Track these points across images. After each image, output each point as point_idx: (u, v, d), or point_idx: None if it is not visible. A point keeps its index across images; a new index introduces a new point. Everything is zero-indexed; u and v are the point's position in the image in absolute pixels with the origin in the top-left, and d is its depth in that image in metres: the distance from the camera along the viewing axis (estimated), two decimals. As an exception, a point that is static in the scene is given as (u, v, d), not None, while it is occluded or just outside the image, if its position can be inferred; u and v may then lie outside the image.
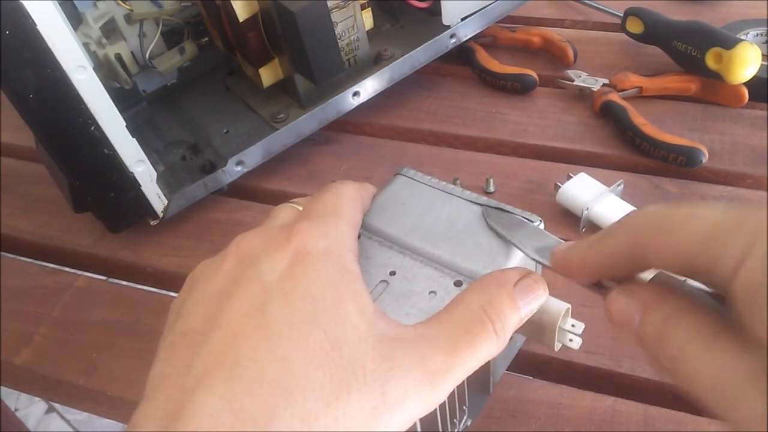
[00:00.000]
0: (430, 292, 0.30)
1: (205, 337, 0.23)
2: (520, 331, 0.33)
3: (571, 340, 0.32)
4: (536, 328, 0.32)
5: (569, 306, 0.31)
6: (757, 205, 0.20)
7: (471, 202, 0.34)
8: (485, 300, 0.26)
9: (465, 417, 0.34)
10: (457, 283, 0.30)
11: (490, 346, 0.25)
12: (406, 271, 0.31)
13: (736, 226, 0.20)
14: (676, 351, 0.21)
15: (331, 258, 0.25)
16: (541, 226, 0.33)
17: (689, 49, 0.53)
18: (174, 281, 0.49)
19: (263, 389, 0.21)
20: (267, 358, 0.22)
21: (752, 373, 0.19)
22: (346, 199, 0.30)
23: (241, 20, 0.49)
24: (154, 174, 0.47)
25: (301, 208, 0.30)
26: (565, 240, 0.29)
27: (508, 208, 0.34)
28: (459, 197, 0.34)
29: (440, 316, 0.26)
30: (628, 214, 0.23)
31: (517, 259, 0.31)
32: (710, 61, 0.51)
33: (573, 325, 0.31)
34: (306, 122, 0.53)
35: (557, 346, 0.32)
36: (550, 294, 0.29)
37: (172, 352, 0.24)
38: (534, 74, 0.58)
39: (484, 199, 0.34)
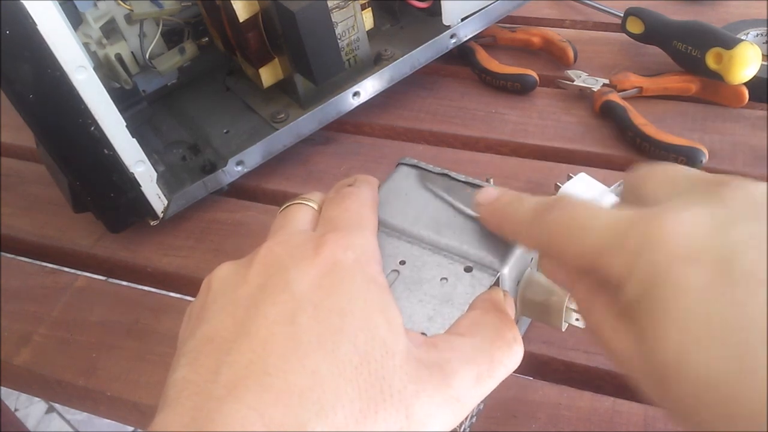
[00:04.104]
0: (441, 279, 0.30)
1: (233, 344, 0.23)
2: (527, 313, 0.33)
3: (577, 319, 0.32)
4: (543, 309, 0.32)
5: None
6: (648, 212, 0.21)
7: (472, 186, 0.34)
8: (495, 321, 0.27)
9: (472, 416, 0.34)
10: (467, 269, 0.30)
11: (512, 364, 0.26)
12: (415, 260, 0.31)
13: (618, 246, 0.21)
14: (594, 323, 0.24)
15: (359, 269, 0.25)
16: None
17: (689, 49, 0.53)
18: (174, 281, 0.49)
19: (294, 401, 0.21)
20: (297, 370, 0.21)
21: (645, 365, 0.21)
22: (369, 207, 0.30)
23: (241, 20, 0.49)
24: (154, 174, 0.47)
25: (313, 206, 0.30)
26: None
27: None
28: (463, 182, 0.34)
29: (460, 341, 0.26)
30: (545, 205, 0.25)
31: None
32: (710, 61, 0.51)
33: None
34: (306, 122, 0.53)
35: (564, 326, 0.32)
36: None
37: (195, 358, 0.23)
38: (534, 74, 0.58)
39: (479, 181, 0.34)
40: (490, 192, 0.30)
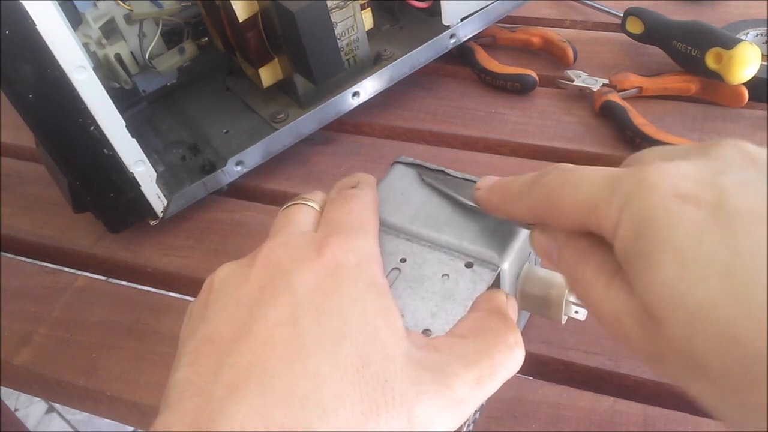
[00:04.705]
0: (442, 275, 0.30)
1: (234, 345, 0.23)
2: (526, 307, 0.33)
3: (576, 312, 0.32)
4: (543, 303, 0.32)
5: None
6: (641, 165, 0.22)
7: (469, 183, 0.34)
8: (497, 323, 0.27)
9: (476, 412, 0.34)
10: (468, 265, 0.30)
11: (513, 366, 0.26)
12: (416, 257, 0.31)
13: (609, 195, 0.22)
14: (583, 288, 0.24)
15: (361, 272, 0.25)
16: None
17: (689, 49, 0.53)
18: (174, 281, 0.49)
19: (295, 403, 0.21)
20: (298, 372, 0.21)
21: (636, 319, 0.21)
22: (371, 210, 0.30)
23: (241, 20, 0.49)
24: (154, 174, 0.47)
25: (315, 206, 0.30)
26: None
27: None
28: (459, 179, 0.34)
29: (461, 344, 0.26)
30: (542, 173, 0.26)
31: (522, 237, 0.31)
32: (710, 61, 0.51)
33: None
34: (306, 122, 0.53)
35: (564, 319, 0.32)
36: (550, 269, 0.30)
37: (196, 358, 0.23)
38: (534, 74, 0.58)
39: (476, 177, 0.34)
40: (489, 178, 0.31)
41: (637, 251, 0.20)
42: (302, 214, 0.30)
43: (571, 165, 0.25)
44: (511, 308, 0.28)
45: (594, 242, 0.24)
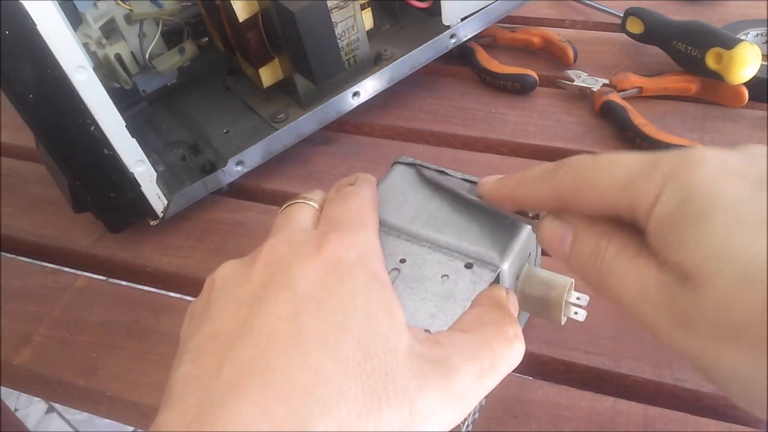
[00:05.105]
0: (442, 276, 0.30)
1: (236, 341, 0.23)
2: (526, 308, 0.33)
3: (576, 312, 0.32)
4: (543, 304, 0.32)
5: (573, 280, 0.32)
6: (675, 150, 0.22)
7: (470, 183, 0.34)
8: (497, 317, 0.27)
9: (474, 413, 0.34)
10: (468, 265, 0.30)
11: (513, 360, 0.26)
12: (415, 257, 0.31)
13: (651, 169, 0.22)
14: (606, 266, 0.23)
15: (362, 267, 0.25)
16: None
17: (689, 49, 0.53)
18: (174, 281, 0.49)
19: (297, 398, 0.21)
20: (300, 367, 0.22)
21: (666, 287, 0.21)
22: (370, 206, 0.30)
23: (241, 20, 0.49)
24: (154, 174, 0.47)
25: (315, 205, 0.30)
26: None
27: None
28: (459, 179, 0.34)
29: (462, 337, 0.26)
30: (559, 163, 0.25)
31: (523, 237, 0.31)
32: (710, 61, 0.51)
33: (578, 298, 0.32)
34: (306, 122, 0.53)
35: (563, 320, 0.32)
36: (551, 270, 0.30)
37: (199, 355, 0.23)
38: (534, 74, 0.58)
39: (477, 178, 0.34)
40: (491, 176, 0.30)
41: (682, 216, 0.20)
42: (302, 212, 0.30)
43: (587, 156, 0.24)
44: (512, 303, 0.28)
45: (614, 225, 0.24)
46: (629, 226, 0.23)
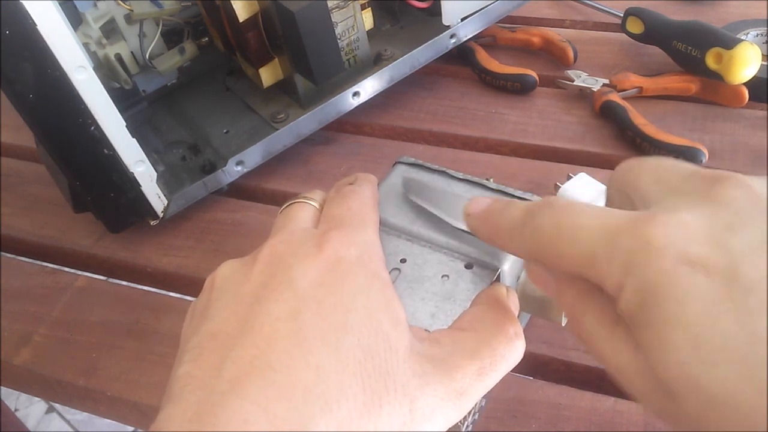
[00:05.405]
0: (442, 276, 0.30)
1: (237, 340, 0.23)
2: (526, 309, 0.33)
3: None
4: (543, 305, 0.32)
5: None
6: (642, 214, 0.20)
7: (471, 184, 0.34)
8: (498, 316, 0.27)
9: (474, 412, 0.34)
10: (468, 266, 0.30)
11: (514, 358, 0.26)
12: (416, 257, 0.31)
13: (610, 251, 0.20)
14: (585, 334, 0.23)
15: (362, 266, 0.25)
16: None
17: (689, 49, 0.53)
18: (174, 281, 0.49)
19: (298, 396, 0.21)
20: (300, 366, 0.22)
21: (645, 378, 0.20)
22: (370, 205, 0.30)
23: (241, 20, 0.49)
24: (154, 174, 0.47)
25: (315, 204, 0.30)
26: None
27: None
28: (459, 180, 0.34)
29: (463, 336, 0.26)
30: (532, 211, 0.23)
31: None
32: (710, 61, 0.51)
33: None
34: (306, 122, 0.53)
35: (563, 320, 0.32)
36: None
37: (199, 354, 0.23)
38: (534, 74, 0.58)
39: (478, 178, 0.34)
40: (479, 202, 0.28)
41: (645, 322, 0.19)
42: (303, 212, 0.30)
43: (563, 203, 0.23)
44: (512, 301, 0.28)
45: (593, 287, 0.22)
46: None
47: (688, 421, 0.19)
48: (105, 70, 0.53)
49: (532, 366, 0.40)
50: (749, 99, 0.53)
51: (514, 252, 0.26)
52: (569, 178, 0.48)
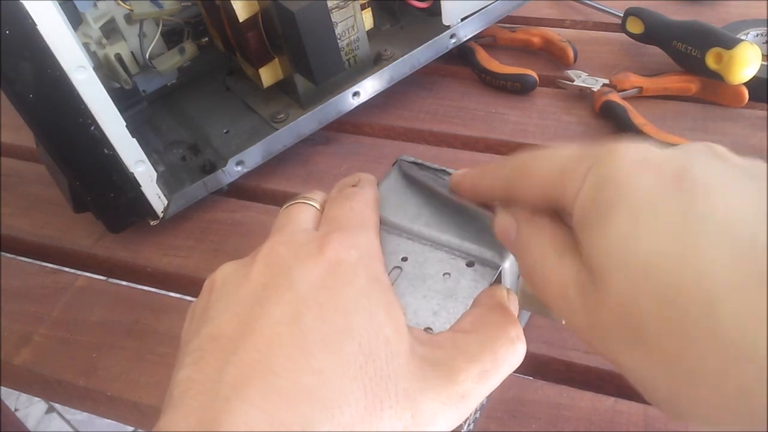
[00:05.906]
0: (444, 274, 0.30)
1: (238, 343, 0.22)
2: (527, 307, 0.33)
3: None
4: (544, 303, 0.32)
5: None
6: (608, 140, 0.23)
7: None
8: (499, 318, 0.27)
9: (475, 413, 0.34)
10: (470, 264, 0.30)
11: (515, 361, 0.26)
12: (417, 256, 0.31)
13: (580, 160, 0.22)
14: (533, 260, 0.24)
15: (363, 268, 0.25)
16: None
17: (689, 49, 0.53)
18: (174, 281, 0.49)
19: (300, 401, 0.21)
20: (303, 369, 0.21)
21: (582, 288, 0.21)
22: (371, 207, 0.30)
23: (241, 20, 0.49)
24: (154, 174, 0.47)
25: (315, 205, 0.30)
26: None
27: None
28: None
29: (464, 339, 0.26)
30: (510, 156, 0.26)
31: None
32: (710, 61, 0.51)
33: None
34: (306, 122, 0.53)
35: (564, 319, 0.32)
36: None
37: (200, 357, 0.23)
38: (534, 74, 0.58)
39: None
40: (464, 169, 0.31)
41: (594, 212, 0.21)
42: (303, 212, 0.30)
43: (536, 148, 0.25)
44: (512, 303, 0.28)
45: (553, 220, 0.24)
46: (564, 225, 0.24)
47: (611, 315, 0.20)
48: (105, 70, 0.53)
49: (532, 366, 0.40)
50: (749, 99, 0.53)
51: (490, 192, 0.28)
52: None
